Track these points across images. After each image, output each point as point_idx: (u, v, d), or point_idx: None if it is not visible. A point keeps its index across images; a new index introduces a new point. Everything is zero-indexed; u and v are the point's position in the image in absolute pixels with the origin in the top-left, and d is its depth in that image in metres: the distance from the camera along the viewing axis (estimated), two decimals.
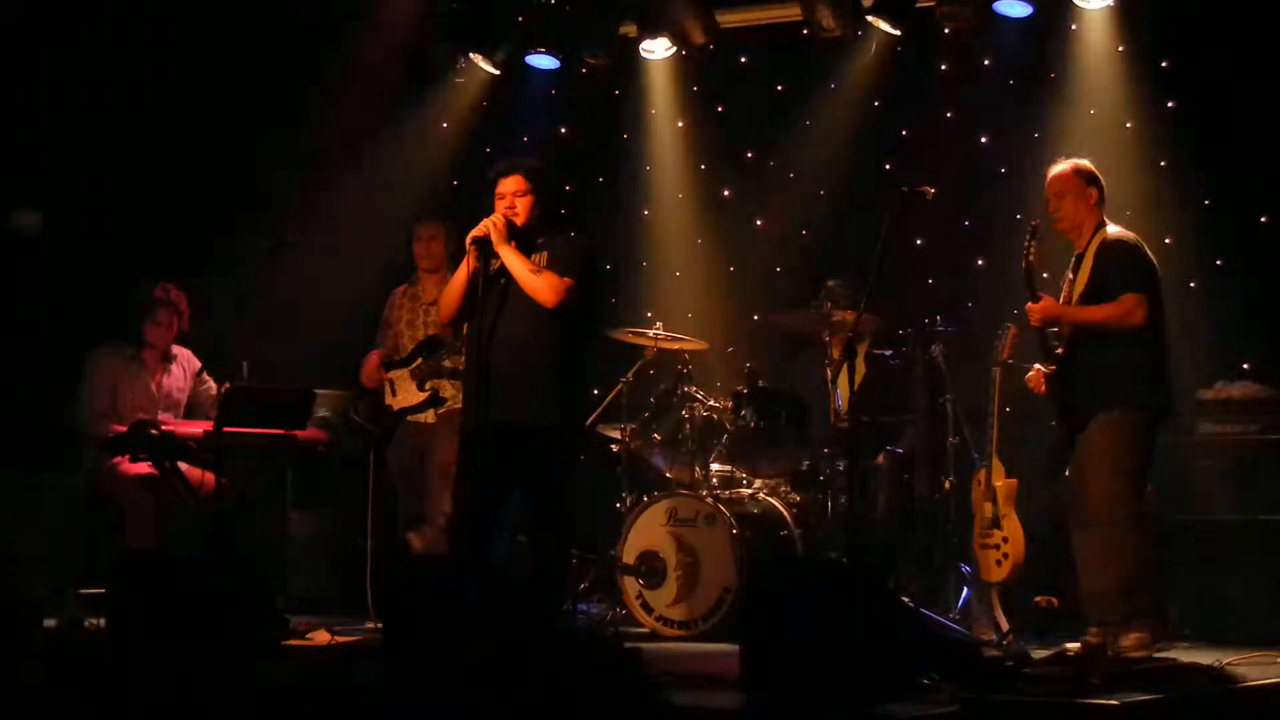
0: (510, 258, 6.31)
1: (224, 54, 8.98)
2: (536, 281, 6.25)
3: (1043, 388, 6.75)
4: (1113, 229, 6.66)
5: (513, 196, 6.40)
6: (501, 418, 6.23)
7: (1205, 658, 6.29)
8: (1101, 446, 6.49)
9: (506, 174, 6.45)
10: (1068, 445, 6.72)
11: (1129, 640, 6.33)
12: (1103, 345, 6.53)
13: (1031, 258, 6.64)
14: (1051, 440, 8.32)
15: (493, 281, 6.37)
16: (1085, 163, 6.77)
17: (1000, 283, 8.75)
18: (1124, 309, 6.48)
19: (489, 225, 6.33)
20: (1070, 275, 6.72)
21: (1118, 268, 6.54)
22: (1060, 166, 6.77)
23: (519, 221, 6.39)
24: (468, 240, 6.36)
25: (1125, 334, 6.47)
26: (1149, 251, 6.66)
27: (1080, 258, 6.69)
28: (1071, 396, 6.63)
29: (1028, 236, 6.70)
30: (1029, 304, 6.64)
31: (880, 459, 7.94)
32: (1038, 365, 6.75)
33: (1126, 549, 6.42)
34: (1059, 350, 6.66)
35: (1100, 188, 6.72)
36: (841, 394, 7.76)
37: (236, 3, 8.94)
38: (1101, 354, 6.53)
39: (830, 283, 8.13)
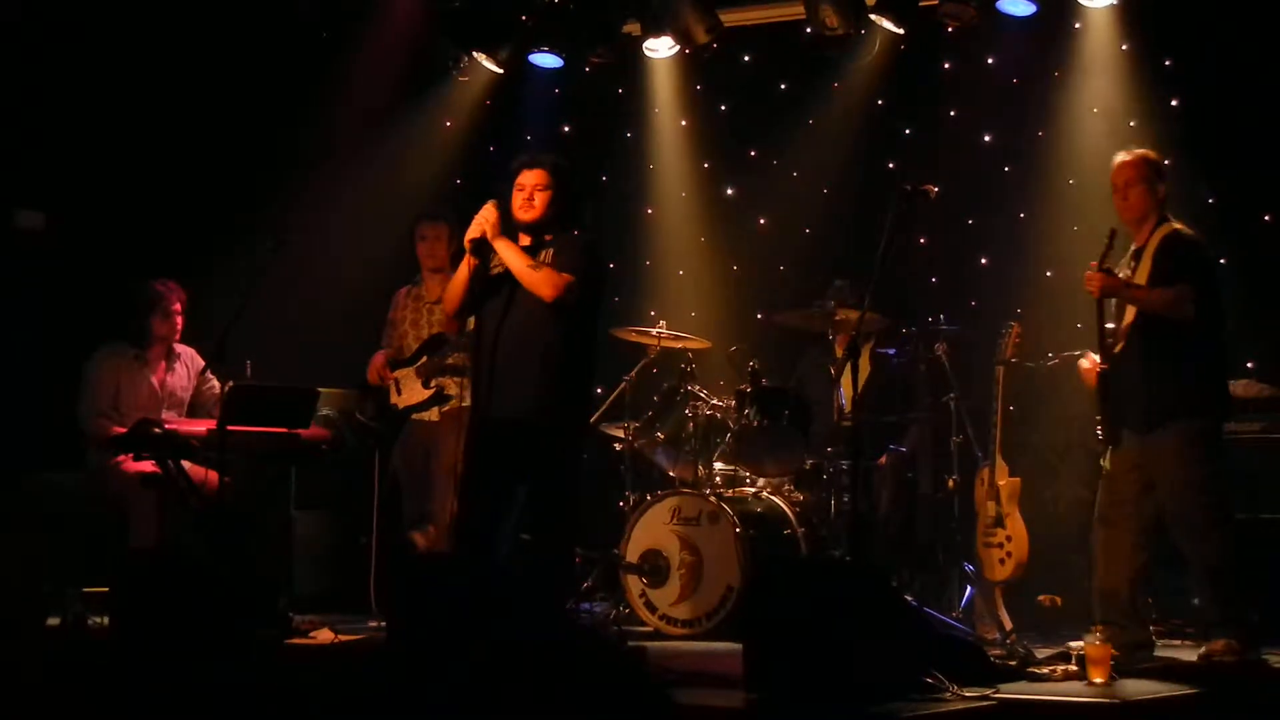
0: (506, 252, 6.30)
1: (226, 53, 8.98)
2: (534, 277, 6.24)
3: (1094, 381, 6.59)
4: (1176, 225, 6.51)
5: (533, 189, 6.39)
6: (506, 415, 6.23)
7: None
8: (1187, 460, 6.34)
9: (530, 166, 6.45)
10: (1110, 441, 6.54)
11: (1218, 646, 6.24)
12: (1163, 344, 6.38)
13: (1107, 264, 6.51)
14: (1051, 439, 8.35)
15: (500, 280, 6.37)
16: (1154, 154, 6.62)
17: (1003, 281, 8.78)
18: (1175, 297, 6.32)
19: (481, 221, 6.33)
20: (1129, 270, 6.56)
21: (1178, 263, 6.38)
22: (1128, 155, 6.59)
23: (534, 216, 6.39)
24: (465, 242, 6.36)
25: (1183, 334, 6.33)
26: (1209, 251, 6.55)
27: (1140, 252, 6.53)
28: (1126, 395, 6.46)
29: (1106, 246, 6.47)
30: (1089, 272, 6.43)
31: (883, 458, 7.94)
32: (1092, 356, 6.65)
33: (1231, 552, 6.33)
34: (1117, 348, 6.52)
35: (1167, 182, 6.58)
36: (845, 393, 7.75)
37: (239, 2, 8.93)
38: (1164, 351, 6.38)
39: (838, 282, 8.12)
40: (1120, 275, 6.51)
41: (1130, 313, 6.51)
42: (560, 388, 6.28)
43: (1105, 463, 6.55)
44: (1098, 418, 6.56)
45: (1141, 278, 6.48)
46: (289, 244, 7.16)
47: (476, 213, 6.41)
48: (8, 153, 8.46)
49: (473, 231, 6.33)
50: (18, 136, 8.50)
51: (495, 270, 6.43)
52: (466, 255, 6.35)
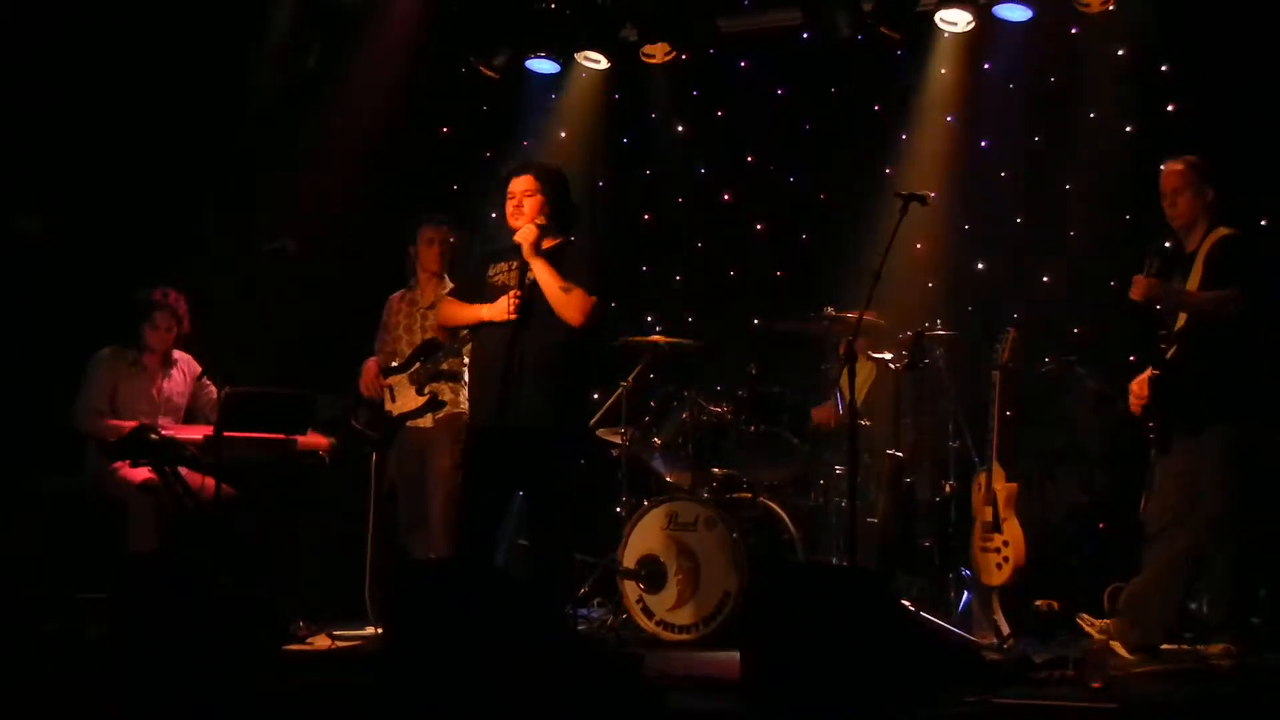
0: (542, 271, 6.32)
1: (226, 57, 8.98)
2: (567, 299, 6.26)
3: (1144, 392, 6.60)
4: (1228, 229, 6.53)
5: (521, 195, 6.43)
6: (505, 421, 6.22)
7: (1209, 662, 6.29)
8: (1228, 462, 6.39)
9: (519, 173, 6.49)
10: (1160, 447, 6.58)
11: (1216, 649, 6.27)
12: (1212, 347, 6.42)
13: (1153, 271, 6.52)
14: (1048, 444, 8.35)
15: (500, 289, 6.38)
16: (1199, 159, 6.64)
17: (1000, 286, 8.79)
18: (1221, 299, 6.37)
19: (523, 235, 6.35)
20: (1179, 277, 6.58)
21: (1226, 267, 6.42)
22: (1175, 163, 6.64)
23: (524, 222, 6.41)
24: (524, 243, 6.35)
25: (1230, 337, 6.37)
26: (1261, 253, 6.55)
27: (1192, 257, 6.57)
28: (1178, 399, 6.50)
29: (1156, 256, 6.55)
30: (1136, 276, 6.49)
31: (881, 462, 7.94)
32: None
33: (1241, 563, 6.37)
34: (1169, 353, 6.56)
35: (1217, 189, 6.60)
36: (842, 397, 7.76)
37: (236, 9, 8.94)
38: (1212, 354, 6.42)
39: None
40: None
41: (1181, 318, 6.53)
42: (559, 394, 6.29)
43: (1159, 473, 6.58)
44: (1150, 424, 6.58)
45: (1193, 282, 6.51)
46: (288, 249, 7.16)
47: (478, 220, 6.43)
48: (7, 156, 8.46)
49: (525, 235, 6.37)
50: (17, 140, 8.49)
51: (496, 278, 6.47)
52: (496, 304, 6.34)
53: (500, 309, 6.35)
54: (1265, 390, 6.50)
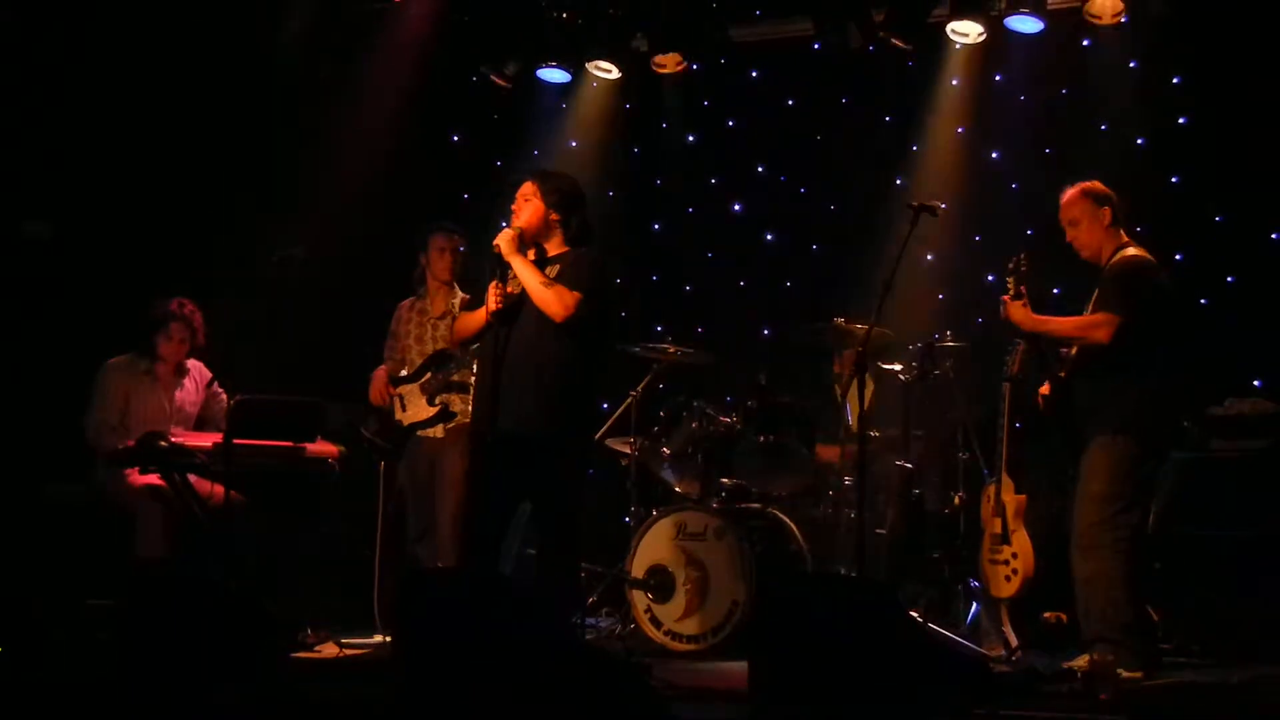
0: (522, 269, 6.32)
1: (234, 64, 9.00)
2: (546, 294, 6.26)
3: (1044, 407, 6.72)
4: (1131, 250, 6.56)
5: (520, 199, 6.45)
6: (509, 429, 6.22)
7: (1216, 676, 6.27)
8: (1091, 470, 6.48)
9: (522, 180, 6.52)
10: (1074, 464, 6.67)
11: (1082, 662, 6.26)
12: (1091, 366, 6.50)
13: (1009, 293, 6.63)
14: (1057, 456, 8.34)
15: (509, 297, 6.39)
16: (1093, 183, 6.68)
17: None
18: (1088, 323, 6.46)
19: (500, 237, 6.36)
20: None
21: (1108, 291, 6.47)
22: (1068, 191, 6.69)
23: (517, 223, 6.41)
24: (503, 240, 6.38)
25: (1109, 358, 6.40)
26: (1159, 277, 6.56)
27: (1100, 277, 6.60)
28: (1073, 418, 6.60)
29: (1014, 273, 6.67)
30: (1003, 296, 6.64)
31: (890, 473, 7.93)
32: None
33: (1112, 574, 6.37)
34: (1061, 373, 6.65)
35: (1113, 206, 6.63)
36: (851, 408, 7.75)
37: (240, 17, 8.96)
38: (1092, 372, 6.51)
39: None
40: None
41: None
42: (563, 403, 6.28)
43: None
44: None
45: (1091, 304, 6.56)
46: (297, 257, 7.17)
47: (487, 229, 6.44)
48: (15, 162, 8.47)
49: (502, 237, 6.39)
50: (25, 145, 8.51)
51: (510, 288, 6.47)
52: (486, 306, 6.34)
53: (488, 304, 6.36)
54: (1150, 411, 6.49)
